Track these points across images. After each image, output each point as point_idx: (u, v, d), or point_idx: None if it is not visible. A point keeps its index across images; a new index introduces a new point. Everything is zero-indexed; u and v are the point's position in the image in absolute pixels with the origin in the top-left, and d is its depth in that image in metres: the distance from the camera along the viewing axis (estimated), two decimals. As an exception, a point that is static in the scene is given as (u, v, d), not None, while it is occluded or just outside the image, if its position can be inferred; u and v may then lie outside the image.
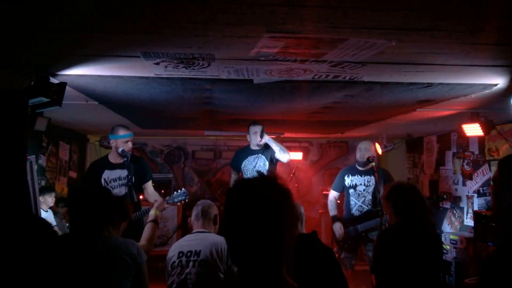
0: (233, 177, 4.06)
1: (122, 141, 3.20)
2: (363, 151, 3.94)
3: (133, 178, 3.16)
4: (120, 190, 3.17)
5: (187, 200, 3.15)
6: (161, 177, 5.96)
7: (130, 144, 3.25)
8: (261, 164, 3.82)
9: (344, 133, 5.73)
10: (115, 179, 3.23)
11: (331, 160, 7.03)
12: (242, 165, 3.86)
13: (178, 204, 3.14)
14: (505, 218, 1.15)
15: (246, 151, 3.91)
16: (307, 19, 1.60)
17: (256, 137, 3.73)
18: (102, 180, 3.21)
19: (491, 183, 1.26)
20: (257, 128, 3.76)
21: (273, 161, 3.85)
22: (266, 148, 3.82)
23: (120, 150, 3.16)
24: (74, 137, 5.72)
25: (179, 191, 3.15)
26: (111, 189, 3.09)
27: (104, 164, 3.29)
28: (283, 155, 3.76)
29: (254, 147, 3.85)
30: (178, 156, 6.89)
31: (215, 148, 6.91)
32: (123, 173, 3.17)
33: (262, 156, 3.82)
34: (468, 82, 2.54)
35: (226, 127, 5.21)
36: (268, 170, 3.80)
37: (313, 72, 2.36)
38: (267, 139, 3.74)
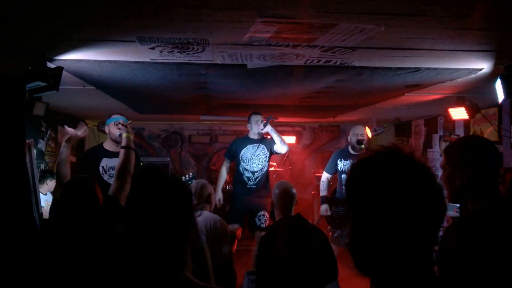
0: (226, 164, 4.11)
1: (113, 124, 3.10)
2: (359, 136, 4.05)
3: None
4: None
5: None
6: (159, 161, 6.09)
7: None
8: (260, 152, 3.93)
9: (336, 117, 5.81)
10: (113, 167, 3.10)
11: (323, 144, 7.16)
12: (241, 153, 3.94)
13: None
14: (461, 200, 1.23)
15: (245, 140, 4.01)
16: (298, 4, 1.64)
17: (259, 126, 3.86)
18: (100, 168, 3.11)
19: (442, 170, 1.33)
20: (259, 117, 3.91)
21: (272, 152, 3.95)
22: (264, 138, 3.95)
23: (117, 134, 3.06)
24: (72, 122, 5.74)
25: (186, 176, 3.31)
26: (110, 178, 3.04)
27: (101, 152, 3.17)
28: (282, 147, 3.87)
29: (254, 136, 3.95)
30: (175, 141, 6.97)
31: (211, 132, 7.00)
32: None
33: (262, 145, 3.94)
34: (454, 67, 2.60)
35: (221, 111, 5.26)
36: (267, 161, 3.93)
37: (305, 57, 2.42)
38: (269, 129, 3.84)
